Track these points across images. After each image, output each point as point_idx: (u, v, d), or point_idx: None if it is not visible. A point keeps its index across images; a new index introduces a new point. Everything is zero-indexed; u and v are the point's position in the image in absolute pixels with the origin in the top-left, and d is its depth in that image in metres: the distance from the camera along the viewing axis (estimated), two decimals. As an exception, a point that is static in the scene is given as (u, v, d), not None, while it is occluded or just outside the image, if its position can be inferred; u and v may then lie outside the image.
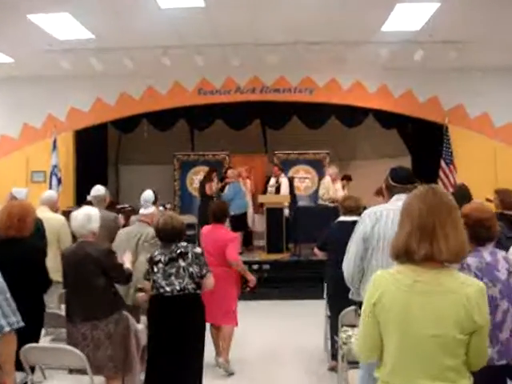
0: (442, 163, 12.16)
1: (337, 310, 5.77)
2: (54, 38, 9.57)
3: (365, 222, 3.78)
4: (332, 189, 12.00)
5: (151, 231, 5.87)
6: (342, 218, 6.18)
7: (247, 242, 12.74)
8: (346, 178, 12.61)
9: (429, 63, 11.04)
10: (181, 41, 10.05)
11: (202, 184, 12.24)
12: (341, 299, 5.62)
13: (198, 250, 5.08)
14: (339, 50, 10.42)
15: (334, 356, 6.05)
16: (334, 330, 5.89)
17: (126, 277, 4.96)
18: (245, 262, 11.09)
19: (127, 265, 5.10)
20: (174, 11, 8.62)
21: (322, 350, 7.06)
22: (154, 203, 7.14)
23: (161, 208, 7.78)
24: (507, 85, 12.20)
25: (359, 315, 3.89)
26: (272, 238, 11.46)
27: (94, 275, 4.64)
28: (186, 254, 4.95)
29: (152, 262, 5.02)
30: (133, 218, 7.22)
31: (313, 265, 10.90)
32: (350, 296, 4.00)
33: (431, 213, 2.33)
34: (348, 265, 3.84)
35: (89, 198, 7.40)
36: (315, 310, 8.20)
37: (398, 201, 3.69)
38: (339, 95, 12.53)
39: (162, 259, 4.97)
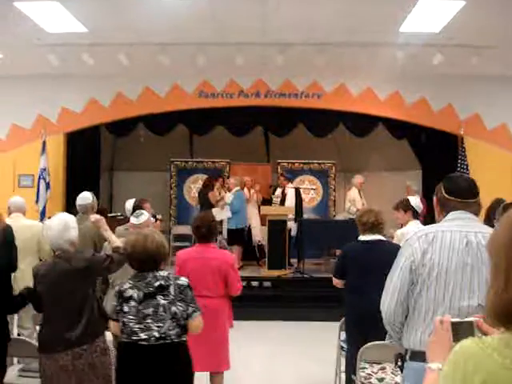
0: (457, 177, 11.39)
1: (357, 347, 4.97)
2: (42, 30, 8.80)
3: (413, 247, 2.91)
4: (359, 201, 11.40)
5: None
6: (361, 237, 5.24)
7: (253, 257, 11.99)
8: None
9: (445, 69, 10.33)
10: (181, 38, 9.30)
11: (204, 192, 11.48)
12: (363, 334, 4.86)
13: (183, 280, 3.83)
14: (352, 53, 9.71)
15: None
16: (350, 367, 5.07)
17: (120, 260, 4.17)
18: (243, 278, 10.51)
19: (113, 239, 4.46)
20: (175, 4, 7.87)
21: (331, 384, 6.25)
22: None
23: (151, 219, 6.90)
24: (527, 95, 11.47)
25: (400, 367, 3.13)
26: (273, 253, 10.67)
27: (80, 293, 3.92)
28: (167, 287, 3.73)
29: (121, 297, 3.77)
30: (119, 228, 6.14)
31: (318, 282, 10.20)
32: (388, 339, 3.17)
33: None
34: (387, 301, 2.98)
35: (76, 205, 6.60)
36: (321, 334, 7.48)
37: (456, 220, 2.94)
38: (348, 102, 11.79)
39: (135, 295, 3.73)
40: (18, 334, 5.86)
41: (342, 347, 5.62)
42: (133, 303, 3.72)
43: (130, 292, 3.74)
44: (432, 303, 2.82)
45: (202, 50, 9.68)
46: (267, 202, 12.08)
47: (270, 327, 8.83)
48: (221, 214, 11.08)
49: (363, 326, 4.87)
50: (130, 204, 6.71)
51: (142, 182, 13.22)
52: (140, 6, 8.01)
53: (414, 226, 6.34)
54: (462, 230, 2.87)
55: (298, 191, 11.80)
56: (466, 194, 3.01)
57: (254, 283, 10.32)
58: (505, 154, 11.47)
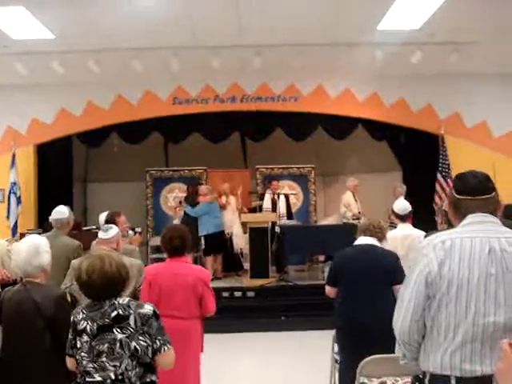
0: (439, 176, 11.24)
1: (351, 359, 4.68)
2: (8, 37, 8.42)
3: (428, 257, 2.56)
4: (354, 204, 11.21)
5: (130, 261, 4.64)
6: (356, 242, 5.03)
7: (234, 267, 11.64)
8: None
9: (424, 68, 10.18)
10: (154, 42, 8.97)
11: (192, 198, 11.16)
12: (357, 346, 4.61)
13: (147, 309, 3.12)
14: (329, 53, 9.49)
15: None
16: (345, 379, 4.78)
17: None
18: (225, 289, 10.22)
19: None
20: (148, 7, 7.53)
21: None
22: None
23: (130, 232, 6.50)
24: (506, 92, 11.35)
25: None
26: (256, 261, 10.33)
27: (39, 334, 3.49)
28: (126, 318, 3.05)
29: (75, 330, 3.13)
30: (93, 243, 5.61)
31: (302, 290, 9.92)
32: (401, 360, 2.78)
33: None
34: (400, 319, 2.63)
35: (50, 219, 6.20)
36: (310, 344, 7.19)
37: (475, 224, 2.60)
38: (326, 104, 11.56)
39: (88, 328, 3.05)
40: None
41: (336, 360, 5.33)
42: (85, 337, 3.06)
43: (83, 324, 3.08)
44: (453, 320, 2.49)
45: (176, 55, 9.38)
46: (252, 209, 11.72)
47: (256, 338, 8.52)
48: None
49: (356, 337, 4.64)
50: (103, 217, 6.24)
51: (117, 193, 12.82)
52: (110, 10, 7.72)
53: (404, 228, 6.11)
54: (483, 236, 2.54)
55: (286, 196, 11.64)
56: (476, 191, 2.66)
57: (237, 293, 9.98)
58: (486, 152, 11.30)
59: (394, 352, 4.52)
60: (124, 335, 3.02)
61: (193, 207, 11.06)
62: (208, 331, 8.59)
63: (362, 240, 4.96)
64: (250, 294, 9.99)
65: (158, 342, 3.09)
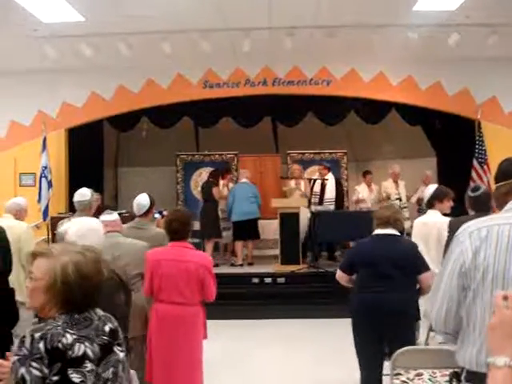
0: (475, 162, 10.95)
1: (366, 357, 4.58)
2: (38, 21, 8.36)
3: (463, 246, 2.39)
4: (394, 192, 11.13)
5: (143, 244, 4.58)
6: (375, 232, 4.84)
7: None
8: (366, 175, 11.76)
9: (460, 51, 9.81)
10: (184, 24, 8.84)
11: (208, 186, 11.03)
12: (375, 333, 4.53)
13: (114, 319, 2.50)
14: (362, 36, 9.22)
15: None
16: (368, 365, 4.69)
17: None
18: (256, 275, 10.13)
19: None
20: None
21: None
22: (150, 210, 5.75)
23: (157, 215, 6.42)
24: (546, 76, 10.97)
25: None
26: (287, 247, 10.21)
27: None
28: (118, 332, 2.43)
29: (63, 359, 2.14)
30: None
31: (333, 277, 9.75)
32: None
33: None
34: (436, 310, 2.49)
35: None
36: (338, 331, 7.04)
37: None
38: (359, 88, 11.32)
39: (90, 352, 2.22)
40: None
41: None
42: (89, 365, 2.20)
43: (80, 349, 2.19)
44: (488, 313, 2.28)
45: (206, 37, 9.22)
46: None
47: (285, 325, 8.41)
48: None
49: (375, 321, 4.54)
50: (142, 199, 5.75)
51: (148, 178, 12.81)
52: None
53: (431, 215, 5.92)
54: None
55: (338, 181, 11.50)
56: (510, 173, 2.51)
57: (267, 280, 9.87)
58: (523, 138, 10.97)
59: (407, 333, 4.44)
60: (123, 353, 2.41)
61: (208, 195, 10.96)
62: (237, 317, 8.63)
63: (381, 231, 4.79)
64: (281, 280, 9.88)
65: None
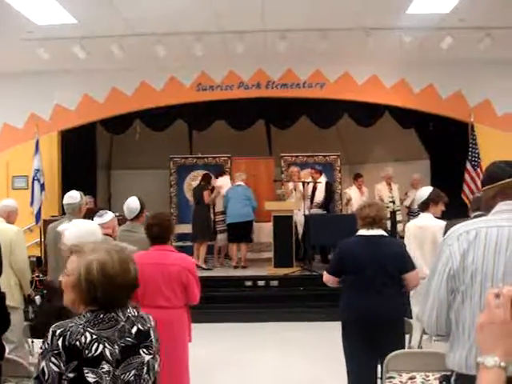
0: (468, 165, 10.98)
1: (357, 361, 4.51)
2: (32, 23, 8.33)
3: (451, 248, 2.41)
4: (387, 195, 11.19)
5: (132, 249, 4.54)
6: (360, 232, 4.68)
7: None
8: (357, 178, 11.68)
9: (453, 54, 9.84)
10: (177, 27, 8.82)
11: (200, 190, 11.04)
12: (366, 337, 4.45)
13: (153, 320, 2.50)
14: (356, 38, 9.23)
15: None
16: (355, 370, 4.62)
17: None
18: (249, 278, 10.11)
19: None
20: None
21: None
22: (141, 213, 5.72)
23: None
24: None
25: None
26: (280, 250, 10.20)
27: None
28: (148, 333, 2.39)
29: (79, 358, 2.15)
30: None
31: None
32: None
33: None
34: (427, 313, 2.49)
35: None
36: (332, 334, 6.99)
37: (505, 212, 2.43)
38: (353, 91, 11.33)
39: (108, 353, 2.19)
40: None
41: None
42: (106, 367, 2.18)
43: (98, 348, 2.18)
44: (477, 316, 2.31)
45: (199, 40, 9.21)
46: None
47: (278, 328, 8.40)
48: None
49: (366, 328, 4.43)
50: (132, 202, 5.74)
51: (141, 180, 12.79)
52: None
53: (425, 218, 5.91)
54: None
55: (328, 184, 11.52)
56: (508, 174, 2.51)
57: (260, 282, 9.86)
58: (516, 141, 10.99)
59: (398, 339, 4.39)
60: (150, 356, 2.36)
61: (200, 198, 10.98)
62: (230, 320, 8.61)
63: (367, 231, 4.62)
64: (274, 283, 9.86)
65: (158, 358, 2.45)
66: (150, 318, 2.44)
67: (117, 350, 2.22)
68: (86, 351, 2.15)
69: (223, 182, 11.42)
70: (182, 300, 4.55)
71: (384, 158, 13.35)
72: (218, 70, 11.25)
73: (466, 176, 10.96)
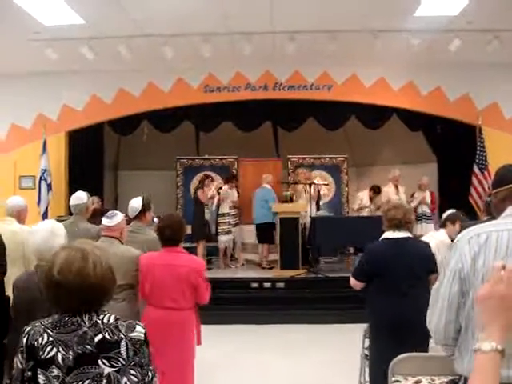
0: (476, 168, 10.92)
1: (381, 360, 4.47)
2: (40, 24, 8.36)
3: (461, 252, 2.38)
4: (395, 197, 10.90)
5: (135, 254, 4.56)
6: (386, 235, 4.66)
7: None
8: (374, 190, 11.44)
9: (461, 56, 9.83)
10: (185, 28, 8.83)
11: (195, 191, 11.23)
12: (397, 341, 4.40)
13: (139, 332, 2.22)
14: (364, 40, 9.21)
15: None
16: (378, 378, 4.58)
17: None
18: (255, 280, 10.10)
19: None
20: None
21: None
22: (143, 212, 5.65)
23: (155, 220, 6.35)
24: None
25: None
26: (286, 252, 10.19)
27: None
28: (116, 345, 2.16)
29: (34, 358, 2.14)
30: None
31: (332, 282, 9.72)
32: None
33: None
34: (435, 319, 2.47)
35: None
36: (339, 337, 7.01)
37: None
38: (360, 93, 11.30)
39: (60, 358, 2.12)
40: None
41: (366, 356, 5.15)
42: (55, 371, 2.10)
43: (52, 351, 2.13)
44: None
45: (207, 41, 9.22)
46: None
47: (285, 330, 8.37)
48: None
49: (397, 332, 4.36)
50: (135, 202, 5.68)
51: (148, 181, 12.76)
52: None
53: (435, 233, 5.92)
54: None
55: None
56: (506, 180, 2.51)
57: (267, 284, 9.84)
58: (524, 144, 10.95)
59: (424, 340, 4.34)
60: (113, 369, 2.14)
61: (196, 198, 11.10)
62: (235, 322, 8.60)
63: (394, 234, 4.59)
64: (280, 285, 9.85)
65: (150, 374, 2.22)
66: (123, 329, 2.20)
67: (71, 357, 2.12)
68: (41, 352, 2.13)
69: (223, 193, 11.56)
70: (191, 301, 4.53)
71: (391, 160, 13.30)
72: (226, 71, 11.24)
73: (474, 179, 10.90)
